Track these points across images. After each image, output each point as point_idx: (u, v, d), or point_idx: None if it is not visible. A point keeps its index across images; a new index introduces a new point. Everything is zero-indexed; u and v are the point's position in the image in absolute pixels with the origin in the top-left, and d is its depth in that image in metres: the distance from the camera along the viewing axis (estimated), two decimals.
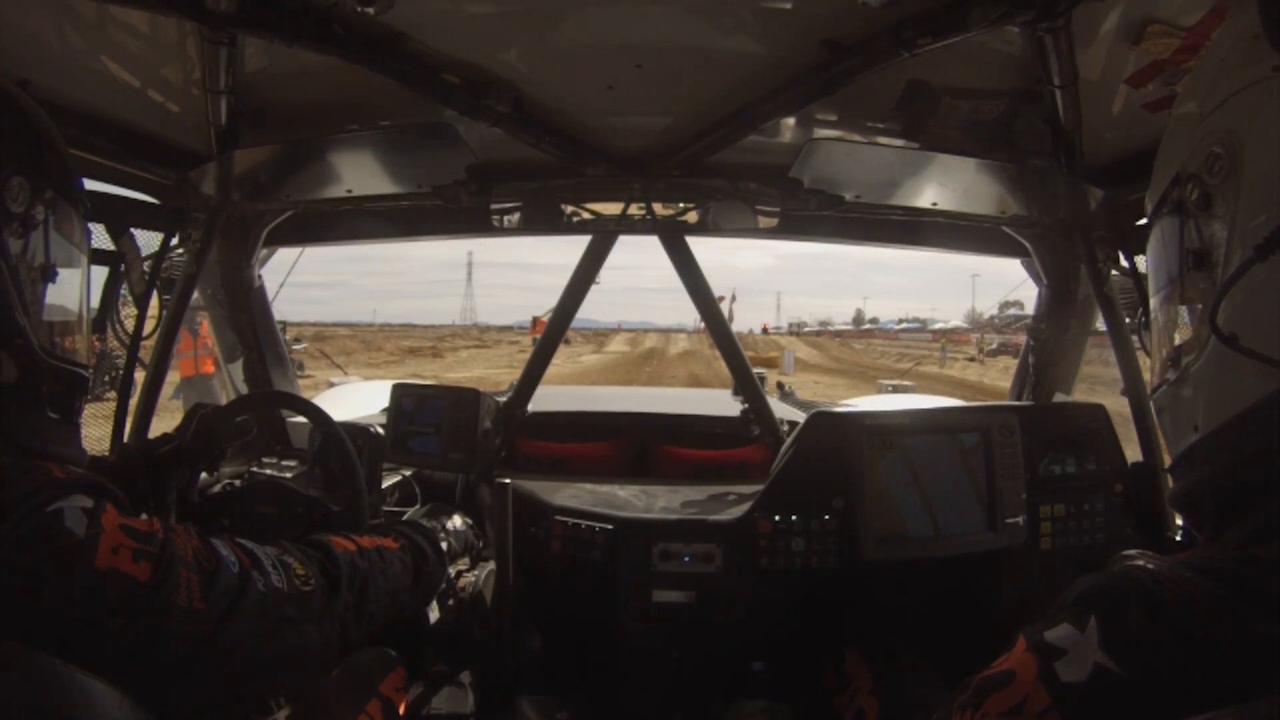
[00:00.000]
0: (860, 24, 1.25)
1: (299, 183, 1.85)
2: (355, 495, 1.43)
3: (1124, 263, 1.70)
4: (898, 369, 24.52)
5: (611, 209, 1.86)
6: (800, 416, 1.87)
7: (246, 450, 1.96)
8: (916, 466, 1.60)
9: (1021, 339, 2.89)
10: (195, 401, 1.49)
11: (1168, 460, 0.71)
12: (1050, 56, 1.29)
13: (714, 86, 1.50)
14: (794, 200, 1.78)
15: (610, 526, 1.65)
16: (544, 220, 1.85)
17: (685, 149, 1.67)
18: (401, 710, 1.33)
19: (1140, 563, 0.54)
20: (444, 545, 1.38)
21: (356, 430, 1.67)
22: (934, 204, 1.81)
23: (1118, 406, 1.80)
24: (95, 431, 1.66)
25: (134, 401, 1.73)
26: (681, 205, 1.85)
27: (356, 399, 2.82)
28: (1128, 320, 1.72)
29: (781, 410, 2.27)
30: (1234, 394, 0.58)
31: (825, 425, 1.67)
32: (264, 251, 2.14)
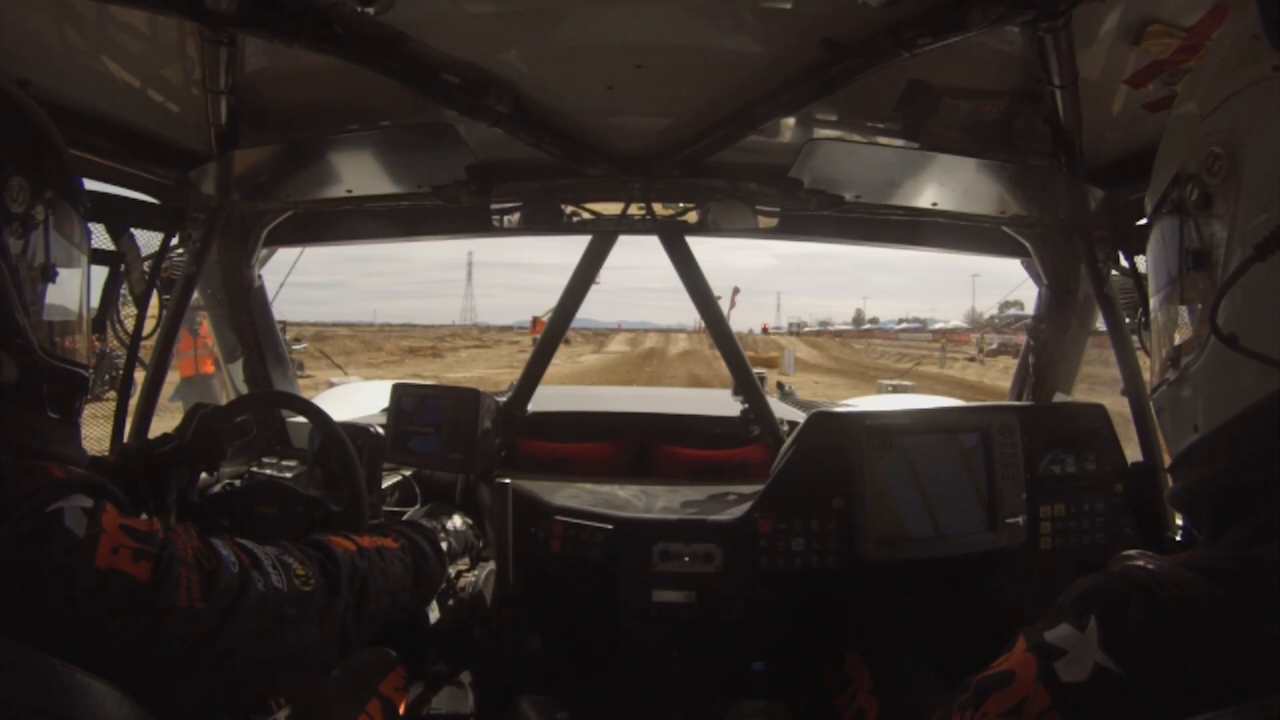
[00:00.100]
0: (860, 24, 1.25)
1: (299, 183, 1.85)
2: (355, 495, 1.43)
3: (1124, 263, 1.70)
4: (898, 369, 24.52)
5: (611, 209, 1.86)
6: (800, 416, 1.87)
7: (246, 450, 1.96)
8: (916, 466, 1.60)
9: (1021, 339, 2.89)
10: (195, 401, 1.49)
11: (1168, 460, 0.71)
12: (1050, 56, 1.29)
13: (714, 86, 1.50)
14: (794, 200, 1.78)
15: (610, 526, 1.65)
16: (544, 220, 1.85)
17: (685, 149, 1.67)
18: (401, 710, 1.33)
19: (1140, 563, 0.54)
20: (444, 545, 1.38)
21: (356, 430, 1.67)
22: (934, 204, 1.81)
23: (1118, 406, 1.80)
24: (95, 431, 1.66)
25: (134, 401, 1.73)
26: (681, 205, 1.86)
27: (356, 399, 2.82)
28: (1128, 320, 1.72)
29: (781, 410, 2.27)
30: (1234, 394, 0.58)
31: (825, 425, 1.67)
32: (264, 251, 2.14)
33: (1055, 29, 1.23)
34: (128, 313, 1.65)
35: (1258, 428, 0.56)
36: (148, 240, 1.67)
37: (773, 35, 1.36)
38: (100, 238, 1.53)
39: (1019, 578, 1.60)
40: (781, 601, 1.62)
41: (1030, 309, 2.22)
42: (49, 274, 0.81)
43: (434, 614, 1.51)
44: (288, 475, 1.84)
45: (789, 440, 1.72)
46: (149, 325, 1.70)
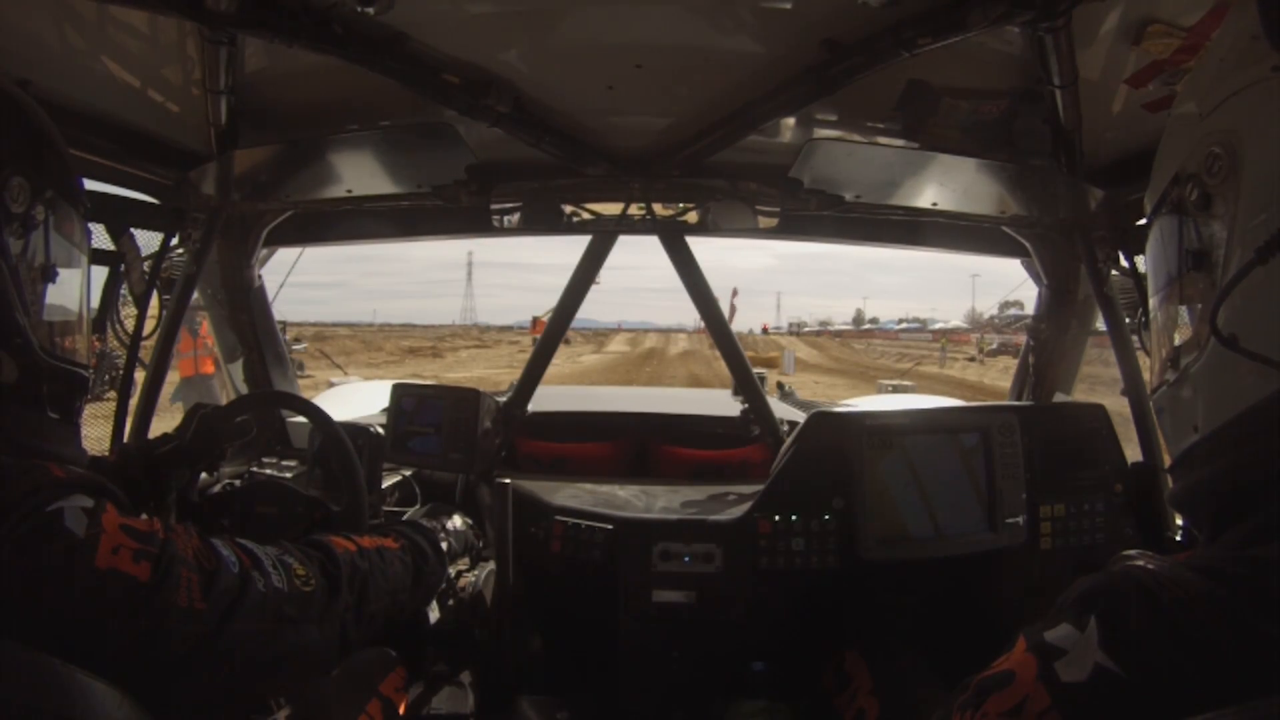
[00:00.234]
0: (860, 24, 1.25)
1: (299, 183, 1.85)
2: (355, 495, 1.43)
3: (1124, 263, 1.70)
4: (898, 369, 24.52)
5: (611, 209, 1.86)
6: (800, 416, 1.87)
7: (246, 450, 1.96)
8: (916, 466, 1.60)
9: (1021, 339, 2.89)
10: (195, 401, 1.49)
11: (1168, 460, 0.71)
12: (1050, 56, 1.29)
13: (714, 86, 1.50)
14: (794, 200, 1.78)
15: (610, 526, 1.65)
16: (544, 220, 1.85)
17: (685, 149, 1.67)
18: (401, 710, 1.33)
19: (1140, 563, 0.54)
20: (444, 545, 1.37)
21: (356, 430, 1.67)
22: (934, 204, 1.81)
23: (1118, 406, 1.80)
24: (95, 431, 1.66)
25: (134, 401, 1.73)
26: (681, 205, 1.86)
27: (356, 399, 2.82)
28: (1128, 320, 1.73)
29: (781, 410, 2.27)
30: (1234, 395, 0.58)
31: (825, 425, 1.67)
32: (264, 251, 2.14)
33: (1055, 29, 1.23)
34: (128, 313, 1.65)
35: (1258, 428, 0.56)
36: (148, 240, 1.67)
37: (773, 35, 1.36)
38: (100, 238, 1.53)
39: (1019, 578, 1.60)
40: (781, 601, 1.62)
41: (1030, 309, 2.22)
42: (49, 274, 0.82)
43: (434, 614, 1.51)
44: (288, 475, 1.84)
45: (789, 440, 1.72)
46: (149, 325, 1.70)
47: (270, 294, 2.25)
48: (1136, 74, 1.29)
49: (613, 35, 1.37)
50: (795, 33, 1.32)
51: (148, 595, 0.73)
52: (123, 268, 1.58)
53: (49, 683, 0.62)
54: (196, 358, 6.34)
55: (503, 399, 2.12)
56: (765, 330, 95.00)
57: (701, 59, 1.42)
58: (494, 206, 1.82)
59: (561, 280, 2.14)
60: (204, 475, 1.47)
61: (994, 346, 31.40)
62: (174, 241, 1.75)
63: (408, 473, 1.95)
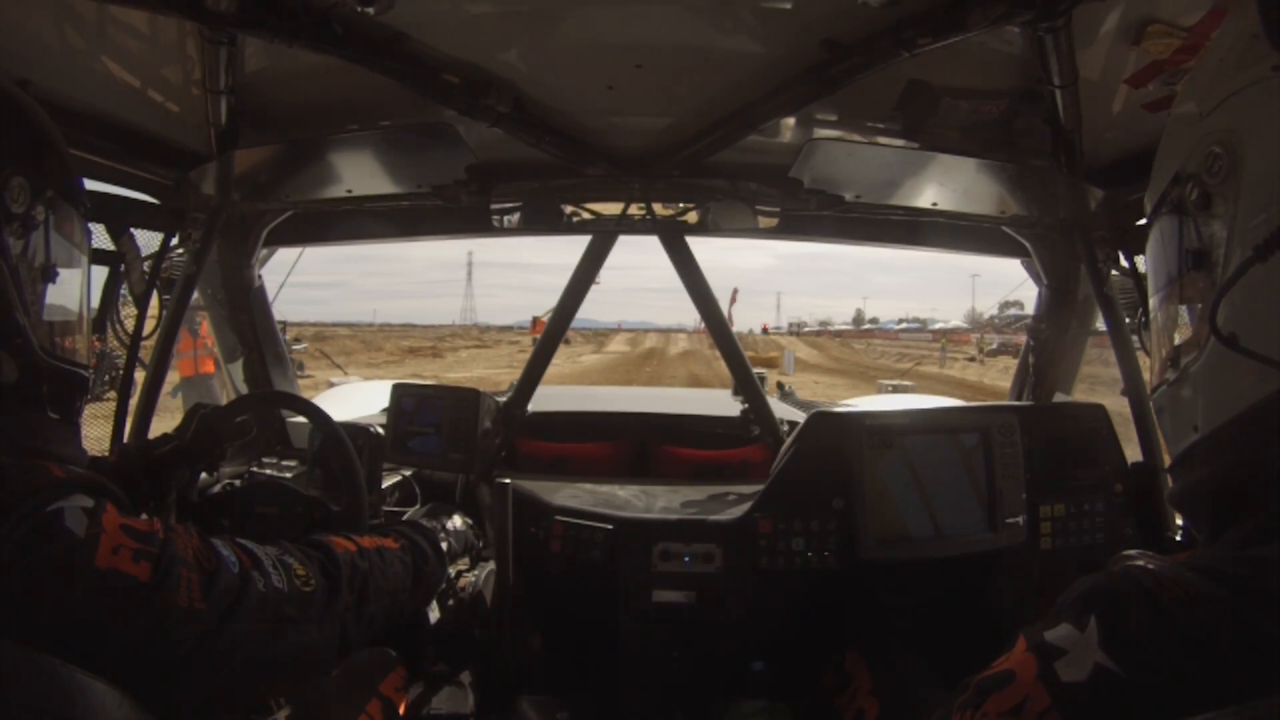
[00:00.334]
0: (860, 24, 1.25)
1: (299, 183, 1.85)
2: (355, 495, 1.43)
3: (1124, 263, 1.70)
4: (898, 369, 24.52)
5: (611, 209, 1.86)
6: (800, 416, 1.87)
7: (246, 450, 1.96)
8: (916, 466, 1.60)
9: (1021, 339, 2.89)
10: (195, 401, 1.49)
11: (1168, 460, 0.71)
12: (1050, 56, 1.29)
13: (714, 86, 1.50)
14: (794, 200, 1.78)
15: (610, 526, 1.65)
16: (544, 220, 1.85)
17: (685, 149, 1.67)
18: (401, 710, 1.33)
19: (1140, 563, 0.54)
20: (444, 545, 1.37)
21: (356, 430, 1.67)
22: (934, 204, 1.81)
23: (1118, 406, 1.80)
24: (95, 431, 1.66)
25: (134, 401, 1.73)
26: (681, 205, 1.85)
27: (356, 399, 2.82)
28: (1128, 320, 1.72)
29: (781, 410, 2.27)
30: (1234, 394, 0.58)
31: (825, 425, 1.67)
32: (264, 251, 2.14)
33: (1055, 29, 1.23)
34: (128, 313, 1.65)
35: (1258, 428, 0.56)
36: (148, 240, 1.67)
37: (773, 35, 1.36)
38: (100, 238, 1.53)
39: (1019, 578, 1.60)
40: (781, 601, 1.62)
41: (1030, 309, 2.22)
42: (49, 274, 0.81)
43: (434, 614, 1.51)
44: (288, 475, 1.84)
45: (789, 440, 1.72)
46: (149, 325, 1.70)
47: (270, 294, 2.25)
48: (1136, 74, 1.29)
49: (613, 35, 1.37)
50: (795, 33, 1.32)
51: (148, 595, 0.73)
52: (123, 268, 1.58)
53: (49, 683, 0.62)
54: (196, 358, 6.34)
55: (503, 399, 2.12)
56: (765, 330, 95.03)
57: (701, 59, 1.42)
58: (494, 206, 1.82)
59: (561, 280, 2.14)
60: (204, 475, 1.47)
61: (994, 346, 31.40)
62: (174, 241, 1.75)
63: (408, 473, 1.95)
